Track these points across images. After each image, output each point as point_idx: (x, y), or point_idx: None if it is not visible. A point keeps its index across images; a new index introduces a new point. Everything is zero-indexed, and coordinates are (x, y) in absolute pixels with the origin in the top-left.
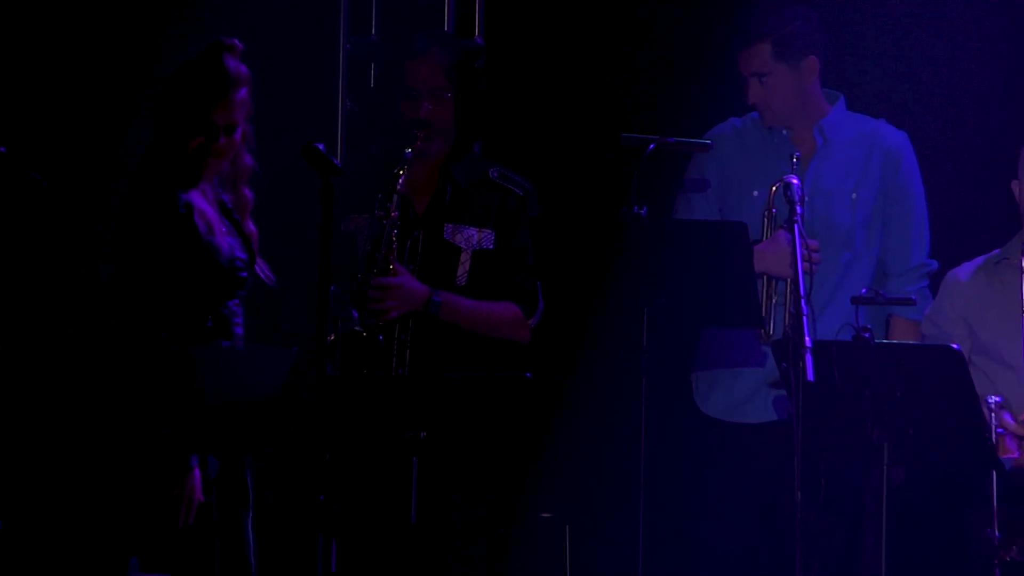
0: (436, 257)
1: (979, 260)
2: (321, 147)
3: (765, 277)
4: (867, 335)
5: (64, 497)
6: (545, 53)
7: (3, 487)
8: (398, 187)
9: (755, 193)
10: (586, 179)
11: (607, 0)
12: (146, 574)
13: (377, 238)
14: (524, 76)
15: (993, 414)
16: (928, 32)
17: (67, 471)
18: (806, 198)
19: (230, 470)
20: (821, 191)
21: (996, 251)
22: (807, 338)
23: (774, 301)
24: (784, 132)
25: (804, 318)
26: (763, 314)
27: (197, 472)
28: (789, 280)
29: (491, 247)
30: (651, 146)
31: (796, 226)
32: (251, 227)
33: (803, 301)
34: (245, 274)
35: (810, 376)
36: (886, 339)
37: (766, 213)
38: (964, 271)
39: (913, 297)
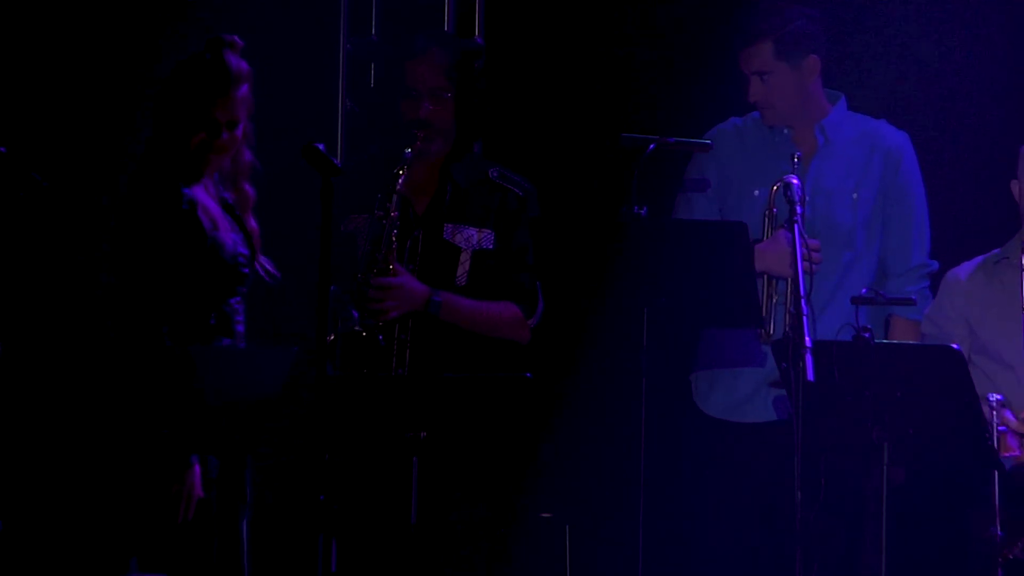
0: (436, 257)
1: (979, 259)
2: (321, 147)
3: (765, 276)
4: (867, 335)
5: (64, 497)
6: (545, 53)
7: (3, 487)
8: (398, 187)
9: (756, 192)
10: (586, 179)
11: (607, 0)
12: (144, 574)
13: (377, 238)
14: (524, 76)
15: (994, 412)
16: (928, 32)
17: (67, 470)
18: (807, 198)
19: (230, 469)
20: (822, 191)
21: (996, 250)
22: (807, 338)
23: (774, 301)
24: (785, 131)
25: (804, 318)
26: (763, 314)
27: (197, 468)
28: (789, 280)
29: (491, 247)
30: (651, 146)
31: (796, 226)
32: (252, 223)
33: (803, 301)
34: (247, 270)
35: (810, 376)
36: (886, 339)
37: (767, 212)
38: (964, 270)
39: (913, 297)
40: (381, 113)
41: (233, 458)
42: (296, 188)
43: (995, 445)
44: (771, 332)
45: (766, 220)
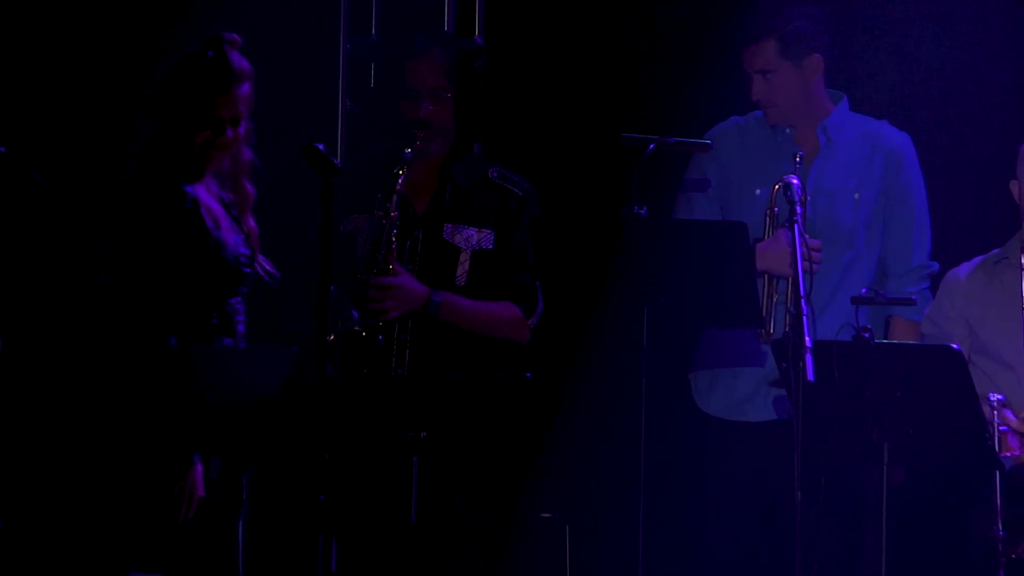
0: (435, 257)
1: (978, 259)
2: (321, 147)
3: (766, 276)
4: (867, 335)
5: (64, 496)
6: (545, 53)
7: (3, 487)
8: (398, 187)
9: (757, 192)
10: (586, 179)
11: (607, 0)
12: (144, 574)
13: (377, 238)
14: (524, 76)
15: (995, 412)
16: (927, 33)
17: (67, 470)
18: (808, 197)
19: (228, 470)
20: (824, 190)
21: (996, 250)
22: (807, 338)
23: (775, 300)
24: (787, 131)
25: (804, 318)
26: (763, 313)
27: (199, 468)
28: (790, 279)
29: (490, 247)
30: (651, 146)
31: (796, 226)
32: (251, 223)
33: (803, 301)
34: (248, 270)
35: (810, 376)
36: (886, 339)
37: (768, 212)
38: (964, 270)
39: (914, 297)
40: (381, 113)
41: (233, 458)
42: (296, 188)
43: (996, 445)
44: (771, 331)
45: (767, 219)
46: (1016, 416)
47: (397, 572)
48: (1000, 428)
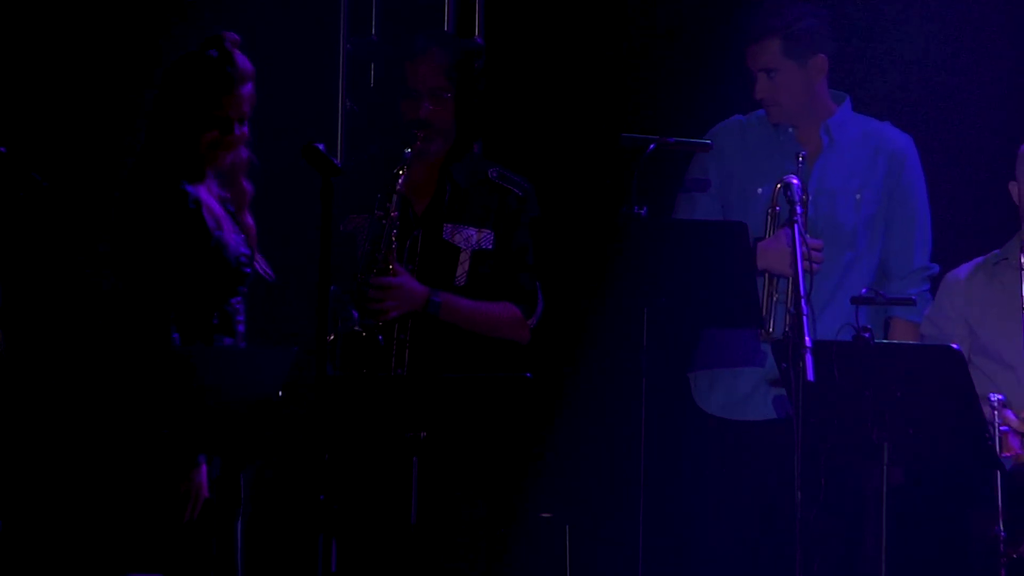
0: (435, 257)
1: (978, 260)
2: (321, 147)
3: (767, 275)
4: (867, 335)
5: (65, 496)
6: (545, 53)
7: (3, 487)
8: (398, 187)
9: (759, 191)
10: (586, 179)
11: (607, 0)
12: (143, 574)
13: (377, 238)
14: (524, 76)
15: (996, 412)
16: (927, 34)
17: (68, 470)
18: (810, 197)
19: (227, 470)
20: (826, 190)
21: (995, 251)
22: (807, 338)
23: (775, 300)
24: (790, 130)
25: (804, 318)
26: (763, 313)
27: (204, 468)
28: (790, 279)
29: (490, 247)
30: (651, 146)
31: (796, 226)
32: (249, 220)
33: (803, 301)
34: (248, 270)
35: (810, 376)
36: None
37: (770, 211)
38: (963, 271)
39: (914, 298)
40: (381, 113)
41: (233, 458)
42: (296, 188)
43: (996, 445)
44: (771, 330)
45: (769, 218)
46: (1016, 416)
47: (397, 572)
48: (1001, 428)
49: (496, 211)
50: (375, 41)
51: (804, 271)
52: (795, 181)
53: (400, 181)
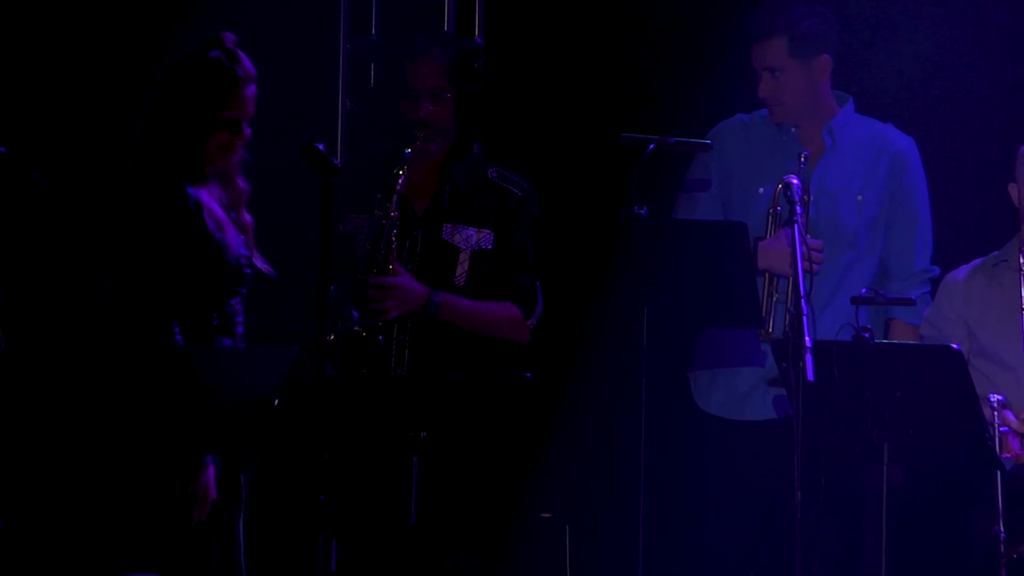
0: (435, 257)
1: (977, 262)
2: (321, 147)
3: (767, 275)
4: (867, 335)
5: (65, 496)
6: (545, 53)
7: (3, 487)
8: (398, 187)
9: (761, 190)
10: (586, 179)
11: (607, 0)
12: (143, 574)
13: (376, 238)
14: (524, 76)
15: (996, 412)
16: (926, 35)
17: (69, 470)
18: (811, 198)
19: (228, 470)
20: (827, 191)
21: (995, 252)
22: (807, 338)
23: (775, 300)
24: (793, 130)
25: (804, 318)
26: (763, 312)
27: (212, 470)
28: (790, 279)
29: (490, 247)
30: (651, 146)
31: (796, 226)
32: (247, 217)
33: (803, 301)
34: (249, 271)
35: (810, 376)
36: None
37: (771, 211)
38: (962, 272)
39: (914, 298)
40: (381, 113)
41: (233, 458)
42: (296, 188)
43: (996, 446)
44: (771, 330)
45: (770, 218)
46: (1016, 417)
47: (397, 572)
48: (1001, 429)
49: (496, 211)
50: (375, 41)
51: (804, 271)
52: (795, 181)
53: (400, 181)
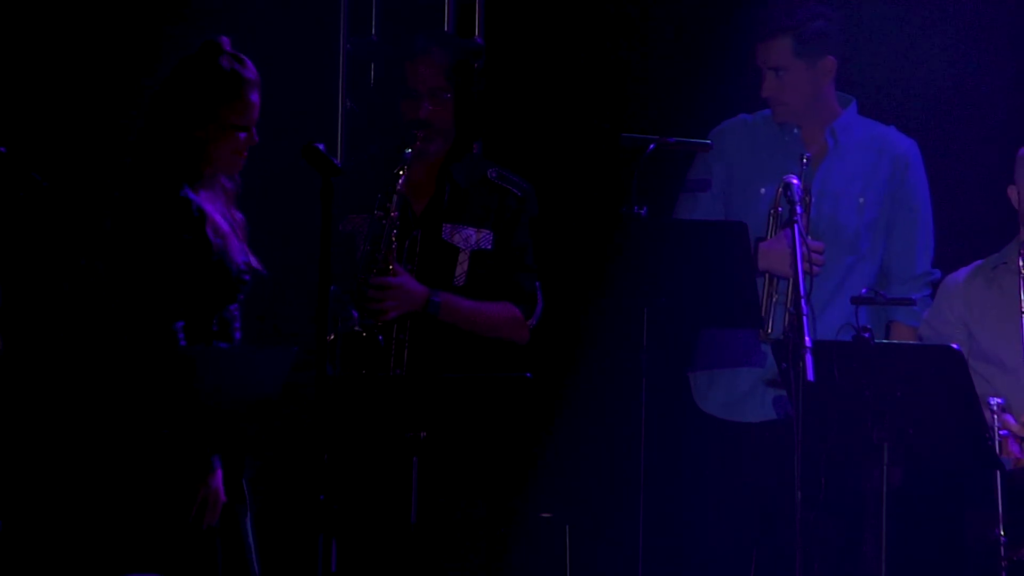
0: (434, 257)
1: (977, 264)
2: (321, 147)
3: (767, 275)
4: (867, 335)
5: (65, 497)
6: (545, 53)
7: (3, 487)
8: (398, 187)
9: (762, 191)
10: (586, 179)
11: (607, 0)
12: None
13: (376, 238)
14: (524, 76)
15: (995, 416)
16: (927, 36)
17: (69, 470)
18: (812, 199)
19: (230, 470)
20: (829, 193)
21: (994, 255)
22: (807, 338)
23: (775, 300)
24: (795, 131)
25: (804, 318)
26: (763, 313)
27: (220, 473)
28: (790, 280)
29: (489, 247)
30: (651, 146)
31: (796, 226)
32: (238, 215)
33: (803, 301)
34: (248, 277)
35: (810, 376)
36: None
37: (772, 211)
38: (962, 275)
39: (914, 299)
40: (381, 113)
41: (234, 458)
42: (296, 188)
43: (996, 449)
44: (770, 330)
45: (771, 219)
46: (1016, 420)
47: (397, 572)
48: (1000, 432)
49: (496, 211)
50: (375, 41)
51: (804, 273)
52: (795, 181)
53: (400, 181)
